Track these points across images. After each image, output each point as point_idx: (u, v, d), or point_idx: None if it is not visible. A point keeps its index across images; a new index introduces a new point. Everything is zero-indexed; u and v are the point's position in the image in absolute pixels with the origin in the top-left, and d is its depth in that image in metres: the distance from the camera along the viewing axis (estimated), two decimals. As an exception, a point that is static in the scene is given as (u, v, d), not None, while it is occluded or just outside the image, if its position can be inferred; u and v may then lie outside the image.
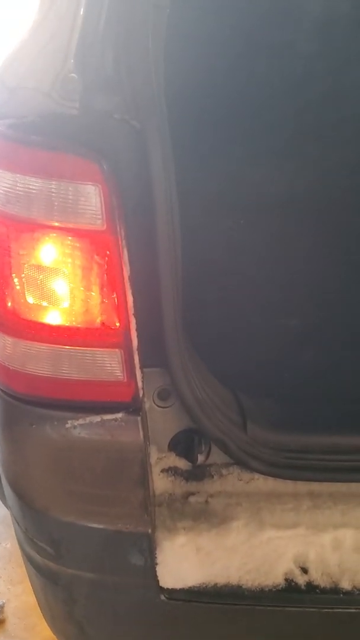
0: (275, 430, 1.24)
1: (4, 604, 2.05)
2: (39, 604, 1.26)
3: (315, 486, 1.23)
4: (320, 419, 1.29)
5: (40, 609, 1.26)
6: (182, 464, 1.23)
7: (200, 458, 1.22)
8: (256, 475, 1.22)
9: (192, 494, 1.20)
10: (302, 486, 1.23)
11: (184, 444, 1.21)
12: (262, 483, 1.22)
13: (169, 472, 1.21)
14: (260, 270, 1.47)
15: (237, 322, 1.41)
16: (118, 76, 0.96)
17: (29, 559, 1.13)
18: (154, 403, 1.17)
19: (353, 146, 1.78)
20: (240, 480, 1.23)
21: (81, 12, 0.93)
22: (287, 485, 1.23)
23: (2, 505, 2.23)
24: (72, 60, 0.94)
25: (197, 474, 1.23)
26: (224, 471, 1.23)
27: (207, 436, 1.19)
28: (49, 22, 0.97)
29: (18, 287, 0.97)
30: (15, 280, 0.97)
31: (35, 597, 1.25)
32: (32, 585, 1.23)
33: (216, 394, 1.22)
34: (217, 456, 1.23)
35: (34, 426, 1.05)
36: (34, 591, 1.25)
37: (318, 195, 1.67)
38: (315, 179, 1.79)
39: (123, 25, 0.95)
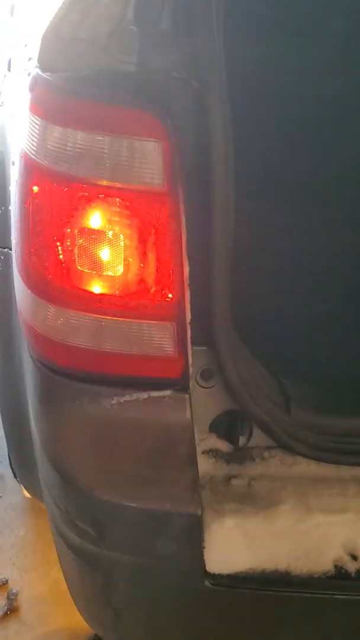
0: (320, 413, 1.20)
1: (17, 592, 1.99)
2: (71, 590, 1.21)
3: (359, 471, 1.19)
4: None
5: (73, 595, 1.22)
6: (223, 445, 1.18)
7: (242, 440, 1.18)
8: (299, 459, 1.18)
9: (234, 476, 1.16)
10: (346, 471, 1.18)
11: (226, 425, 1.17)
12: (305, 467, 1.18)
13: (210, 454, 1.17)
14: (300, 252, 1.43)
15: (277, 304, 1.37)
16: (178, 32, 0.91)
17: (66, 542, 1.08)
18: (197, 383, 1.13)
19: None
20: (282, 464, 1.18)
21: None
22: (330, 470, 1.18)
23: (15, 491, 2.18)
24: (131, 13, 0.89)
25: (238, 456, 1.18)
26: (266, 454, 1.19)
27: (251, 418, 1.15)
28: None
29: (68, 253, 0.92)
30: (65, 244, 0.91)
31: (68, 582, 1.21)
32: (65, 571, 1.19)
33: (259, 376, 1.17)
34: (259, 439, 1.18)
35: (77, 402, 1.00)
36: (66, 576, 1.20)
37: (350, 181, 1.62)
38: (346, 166, 1.75)
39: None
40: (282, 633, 1.12)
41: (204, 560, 1.01)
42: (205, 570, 1.02)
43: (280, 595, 1.05)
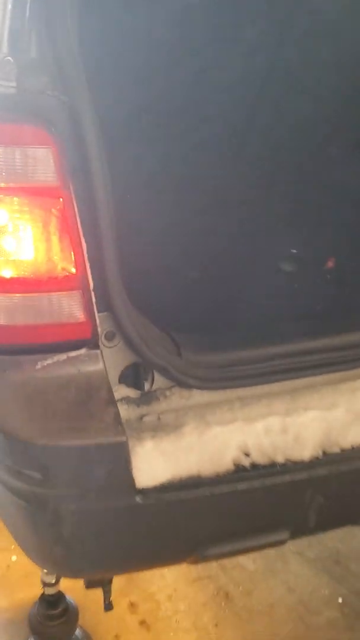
0: (203, 353, 1.49)
1: None
2: (21, 539, 1.39)
3: (241, 392, 1.49)
4: (235, 339, 1.56)
5: (23, 545, 1.39)
6: (132, 393, 1.42)
7: (147, 386, 1.43)
8: (194, 392, 1.46)
9: (145, 415, 1.41)
10: (231, 393, 1.48)
11: (132, 376, 1.42)
12: (200, 397, 1.46)
13: (123, 401, 1.40)
14: (170, 229, 1.70)
15: (157, 273, 1.64)
16: (44, 58, 1.13)
17: (15, 493, 1.26)
18: (103, 344, 1.36)
19: (222, 123, 2.08)
20: (181, 398, 1.45)
21: (9, 7, 1.08)
22: (219, 395, 1.47)
23: None
24: (6, 46, 1.09)
25: (146, 399, 1.43)
26: (167, 393, 1.45)
27: (151, 366, 1.40)
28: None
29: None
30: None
31: (17, 534, 1.38)
32: (14, 523, 1.36)
33: (152, 332, 1.43)
34: (160, 382, 1.44)
35: (7, 372, 1.19)
36: (15, 529, 1.38)
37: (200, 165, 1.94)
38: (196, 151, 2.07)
39: (44, 15, 1.11)
40: (204, 529, 1.39)
41: (133, 479, 1.25)
42: (136, 488, 1.26)
43: (197, 497, 1.32)
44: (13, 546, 2.43)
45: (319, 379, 1.54)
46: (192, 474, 1.31)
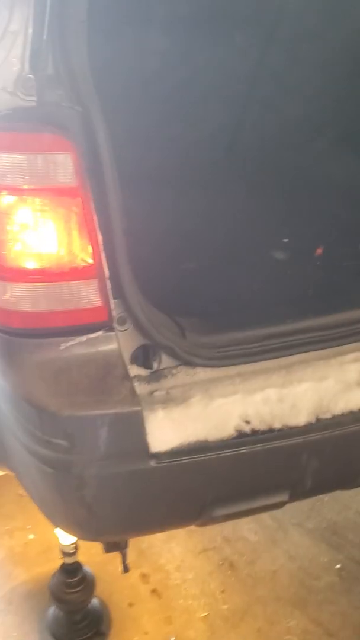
0: (206, 335, 1.64)
1: (-21, 562, 2.26)
2: (46, 506, 1.54)
3: (240, 368, 1.65)
4: (234, 321, 1.72)
5: (48, 511, 1.55)
6: (142, 372, 1.57)
7: (155, 365, 1.58)
8: (198, 369, 1.61)
9: (155, 391, 1.56)
10: (231, 370, 1.64)
11: (141, 356, 1.57)
12: (204, 374, 1.62)
13: (135, 379, 1.55)
14: (174, 226, 1.87)
15: (160, 265, 1.80)
16: (60, 74, 1.28)
17: (43, 461, 1.41)
18: (116, 327, 1.51)
19: (216, 122, 2.24)
20: (187, 375, 1.60)
21: (30, 31, 1.23)
22: (221, 372, 1.63)
23: None
24: (27, 65, 1.24)
25: (155, 377, 1.58)
26: (174, 371, 1.59)
27: (158, 347, 1.56)
28: (7, 38, 1.26)
29: (13, 243, 1.26)
30: (10, 237, 1.25)
31: (42, 502, 1.54)
32: (39, 492, 1.52)
33: (159, 317, 1.59)
34: (167, 362, 1.59)
35: (35, 353, 1.35)
36: (41, 498, 1.53)
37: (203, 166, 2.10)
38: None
39: (59, 36, 1.27)
40: (212, 491, 1.55)
41: (148, 444, 1.41)
42: (150, 453, 1.42)
43: (204, 460, 1.48)
44: (29, 526, 2.61)
45: (311, 355, 1.70)
46: (200, 440, 1.47)
